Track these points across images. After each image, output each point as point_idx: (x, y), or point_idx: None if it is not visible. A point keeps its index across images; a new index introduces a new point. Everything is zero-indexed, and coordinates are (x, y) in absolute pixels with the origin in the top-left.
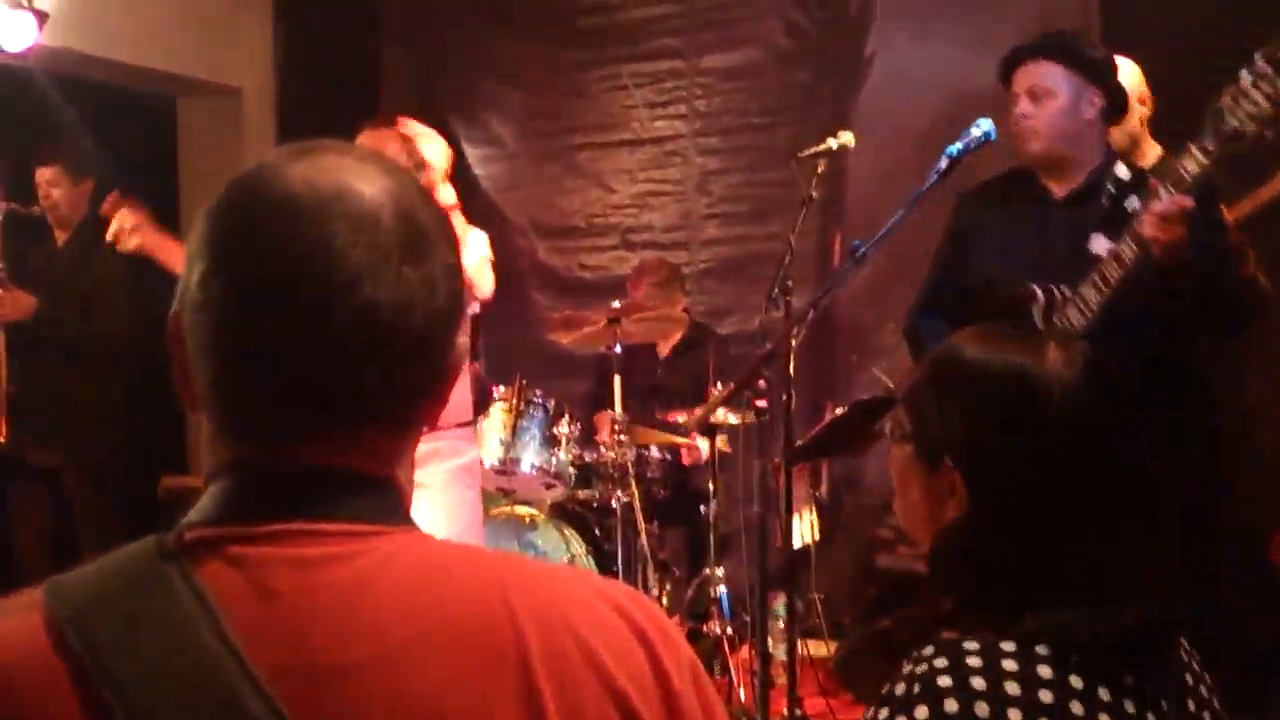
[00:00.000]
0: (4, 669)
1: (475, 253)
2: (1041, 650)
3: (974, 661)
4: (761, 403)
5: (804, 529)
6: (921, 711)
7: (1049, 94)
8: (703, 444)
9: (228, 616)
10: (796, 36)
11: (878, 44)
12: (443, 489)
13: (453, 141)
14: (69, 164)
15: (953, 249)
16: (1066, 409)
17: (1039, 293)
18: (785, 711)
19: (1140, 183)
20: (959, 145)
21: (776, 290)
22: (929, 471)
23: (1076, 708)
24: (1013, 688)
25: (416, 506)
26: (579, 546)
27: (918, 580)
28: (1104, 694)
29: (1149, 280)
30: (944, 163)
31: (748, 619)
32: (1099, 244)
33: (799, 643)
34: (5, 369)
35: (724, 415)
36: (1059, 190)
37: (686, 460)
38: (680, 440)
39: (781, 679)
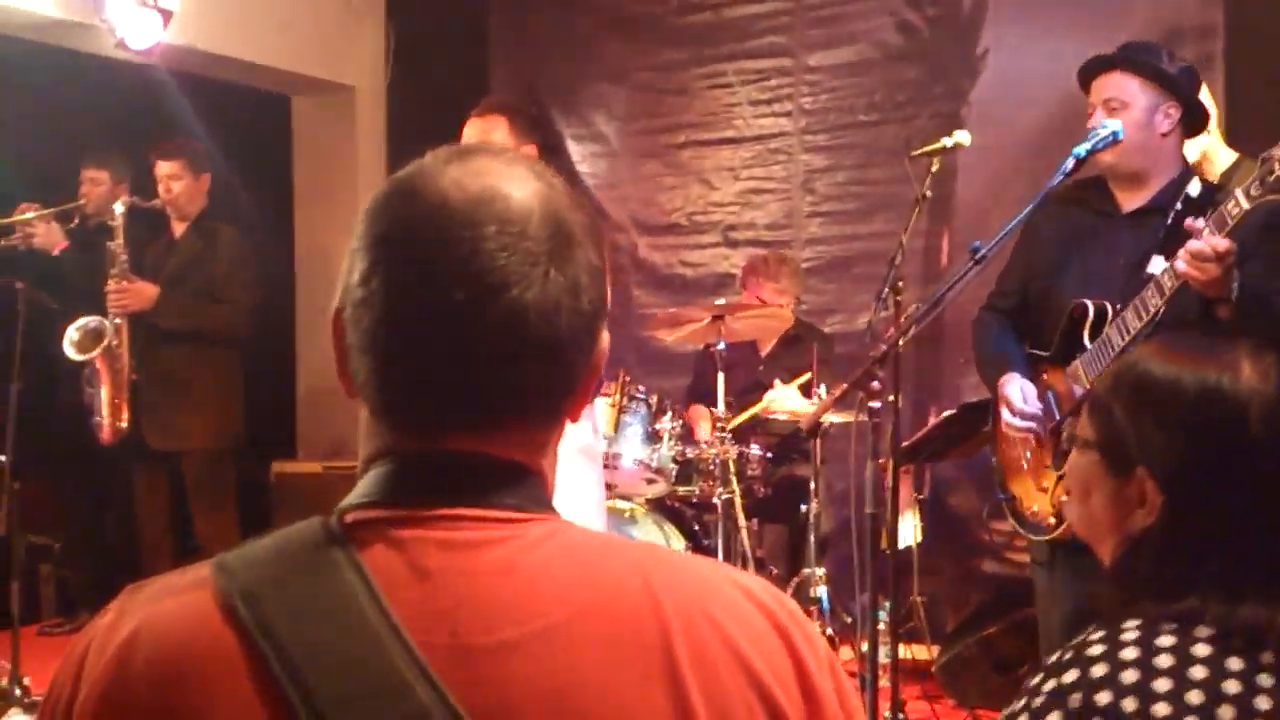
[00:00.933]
0: (178, 644)
1: None
2: (1201, 632)
3: (1129, 635)
4: (875, 403)
5: (908, 531)
6: (1070, 675)
7: (1124, 106)
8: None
9: (388, 596)
10: (907, 33)
11: (990, 41)
12: (563, 469)
13: (557, 138)
14: (189, 158)
15: (1024, 248)
16: (1264, 421)
17: (1090, 308)
18: (888, 715)
19: (1208, 201)
20: (1086, 145)
21: (886, 290)
22: (1118, 480)
23: (1232, 687)
24: (1164, 660)
25: None
26: (678, 542)
27: (1021, 587)
28: (1264, 680)
29: (1192, 306)
30: (1070, 163)
31: (847, 620)
32: (1157, 265)
33: (900, 646)
34: (129, 357)
35: (831, 414)
36: (1128, 204)
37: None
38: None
39: (884, 682)
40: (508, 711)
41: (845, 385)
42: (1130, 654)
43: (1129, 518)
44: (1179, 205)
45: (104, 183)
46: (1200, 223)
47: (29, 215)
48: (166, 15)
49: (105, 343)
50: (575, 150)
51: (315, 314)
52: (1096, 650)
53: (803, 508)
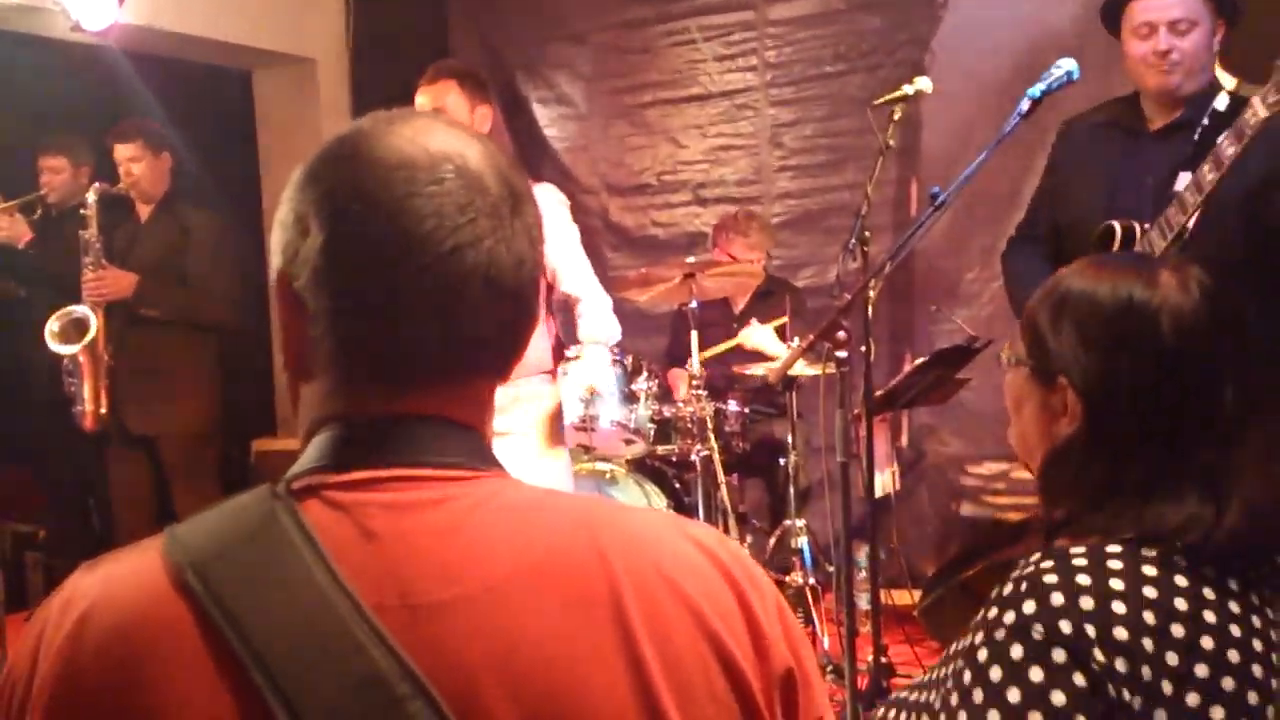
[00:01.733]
0: (131, 618)
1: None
2: (1147, 553)
3: (1080, 562)
4: (842, 353)
5: (885, 479)
6: (1029, 606)
7: (1194, 26)
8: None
9: (336, 560)
10: None
11: None
12: (531, 433)
13: (522, 103)
14: (146, 138)
15: (1048, 179)
16: (1177, 332)
17: (1118, 228)
18: (870, 659)
19: (1236, 115)
20: (1041, 86)
21: (854, 241)
22: (1044, 391)
23: (1181, 604)
24: (1117, 583)
25: (507, 451)
26: (659, 500)
27: (1000, 529)
28: (1208, 593)
29: (1231, 224)
30: (1025, 105)
31: (830, 569)
32: (1184, 181)
33: (881, 592)
34: (105, 343)
35: (802, 366)
36: (1157, 120)
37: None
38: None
39: (865, 628)
40: (460, 669)
41: (812, 336)
42: (1084, 580)
43: (1053, 426)
44: (1205, 120)
45: (64, 170)
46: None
47: (2, 210)
48: None
49: (90, 335)
50: (541, 114)
51: None
52: (1051, 579)
53: (781, 461)
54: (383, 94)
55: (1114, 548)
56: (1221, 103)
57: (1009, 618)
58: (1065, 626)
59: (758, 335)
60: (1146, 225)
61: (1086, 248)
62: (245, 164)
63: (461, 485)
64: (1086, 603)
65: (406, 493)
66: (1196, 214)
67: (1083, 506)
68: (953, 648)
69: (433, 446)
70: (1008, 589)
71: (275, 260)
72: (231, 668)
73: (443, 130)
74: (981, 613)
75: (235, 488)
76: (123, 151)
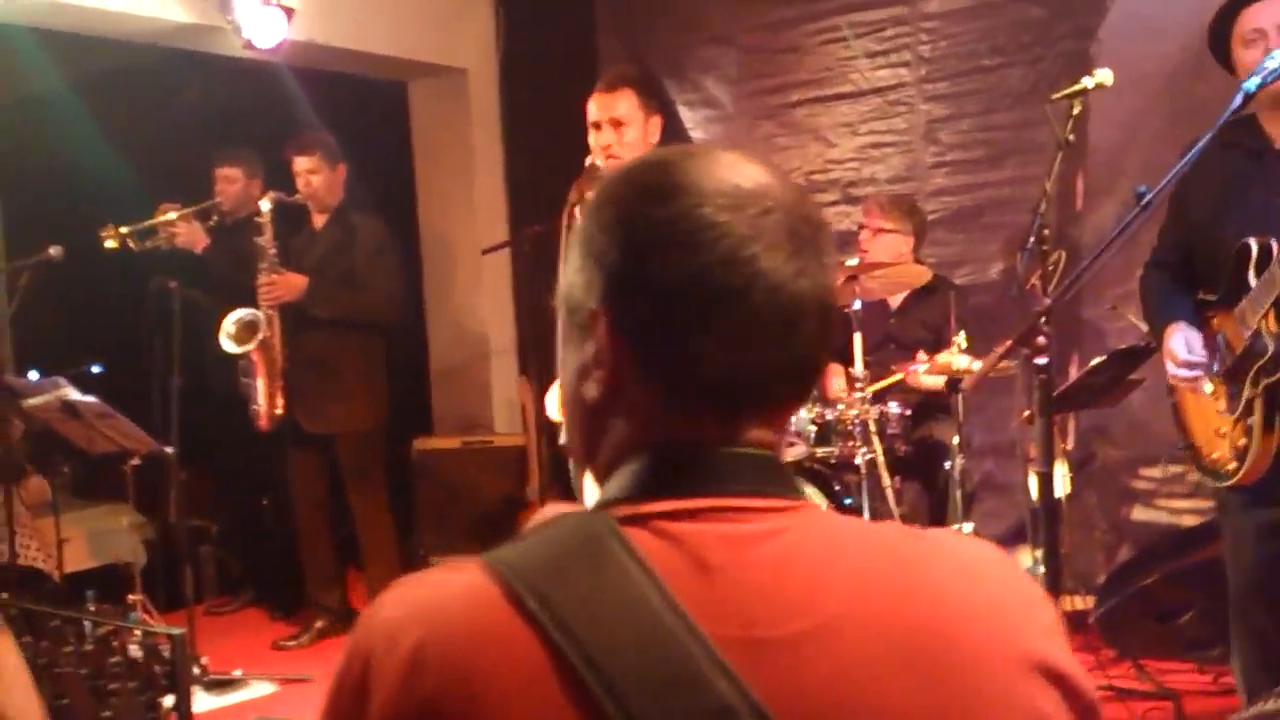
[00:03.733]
0: (468, 638)
1: None
2: None
3: None
4: (1041, 359)
5: (1057, 482)
6: None
7: None
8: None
9: (673, 590)
10: None
11: None
12: None
13: (668, 106)
14: (324, 151)
15: (1173, 207)
16: None
17: (1253, 246)
18: None
19: None
20: (1256, 80)
21: (1032, 239)
22: None
23: None
24: None
25: None
26: (820, 501)
27: (1176, 535)
28: None
29: None
30: (1239, 100)
31: None
32: None
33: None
34: (281, 346)
35: (968, 364)
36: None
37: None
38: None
39: None
40: (803, 703)
41: (1009, 342)
42: None
43: None
44: None
45: (238, 180)
46: None
47: (170, 216)
48: (289, 12)
49: (260, 335)
50: (687, 116)
51: (441, 295)
52: None
53: (947, 465)
54: (532, 102)
55: None
56: None
57: None
58: None
59: (928, 379)
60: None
61: (1220, 270)
62: (400, 172)
63: (787, 516)
64: None
65: (739, 524)
66: None
67: None
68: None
69: (756, 476)
70: None
71: (588, 299)
72: (579, 694)
73: (747, 163)
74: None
75: (401, 486)
76: (302, 163)
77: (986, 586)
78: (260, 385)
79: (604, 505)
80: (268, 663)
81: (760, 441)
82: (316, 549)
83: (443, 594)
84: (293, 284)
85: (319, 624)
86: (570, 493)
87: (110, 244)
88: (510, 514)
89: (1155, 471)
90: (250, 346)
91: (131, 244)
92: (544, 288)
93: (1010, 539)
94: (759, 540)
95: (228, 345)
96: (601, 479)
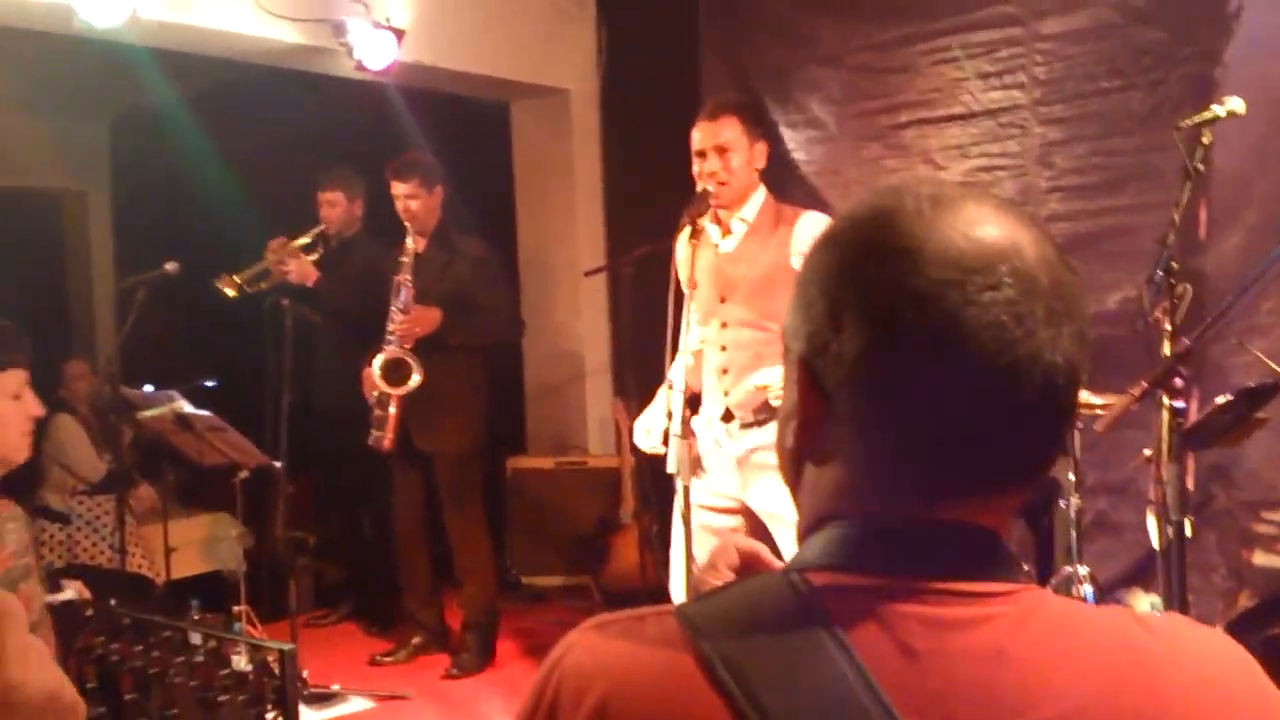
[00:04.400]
0: (655, 701)
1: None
2: None
3: None
4: (1179, 403)
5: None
6: None
7: None
8: None
9: (873, 674)
10: None
11: None
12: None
13: (770, 127)
14: (422, 175)
15: None
16: None
17: None
18: None
19: None
20: None
21: (1160, 271)
22: None
23: None
24: None
25: (782, 488)
26: None
27: None
28: None
29: None
30: None
31: None
32: None
33: None
34: None
35: (1086, 398)
36: None
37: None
38: None
39: None
40: None
41: (1144, 384)
42: None
43: None
44: None
45: (340, 203)
46: None
47: (289, 252)
48: (399, 34)
49: (414, 380)
50: (790, 138)
51: (539, 315)
52: None
53: (1062, 504)
54: (633, 122)
55: None
56: None
57: None
58: None
59: None
60: None
61: None
62: (500, 192)
63: (1001, 602)
64: None
65: (946, 608)
66: None
67: None
68: None
69: (968, 557)
70: None
71: (795, 344)
72: None
73: (993, 217)
74: None
75: (493, 505)
76: (400, 188)
77: (1231, 696)
78: (392, 417)
79: (801, 568)
80: (364, 678)
81: (973, 520)
82: (415, 566)
83: (632, 649)
84: (430, 319)
85: (416, 640)
86: (662, 517)
87: (229, 293)
88: (602, 536)
89: (1277, 515)
90: (407, 389)
91: (248, 289)
92: (645, 311)
93: (1122, 581)
94: (969, 626)
95: (382, 386)
96: (802, 533)
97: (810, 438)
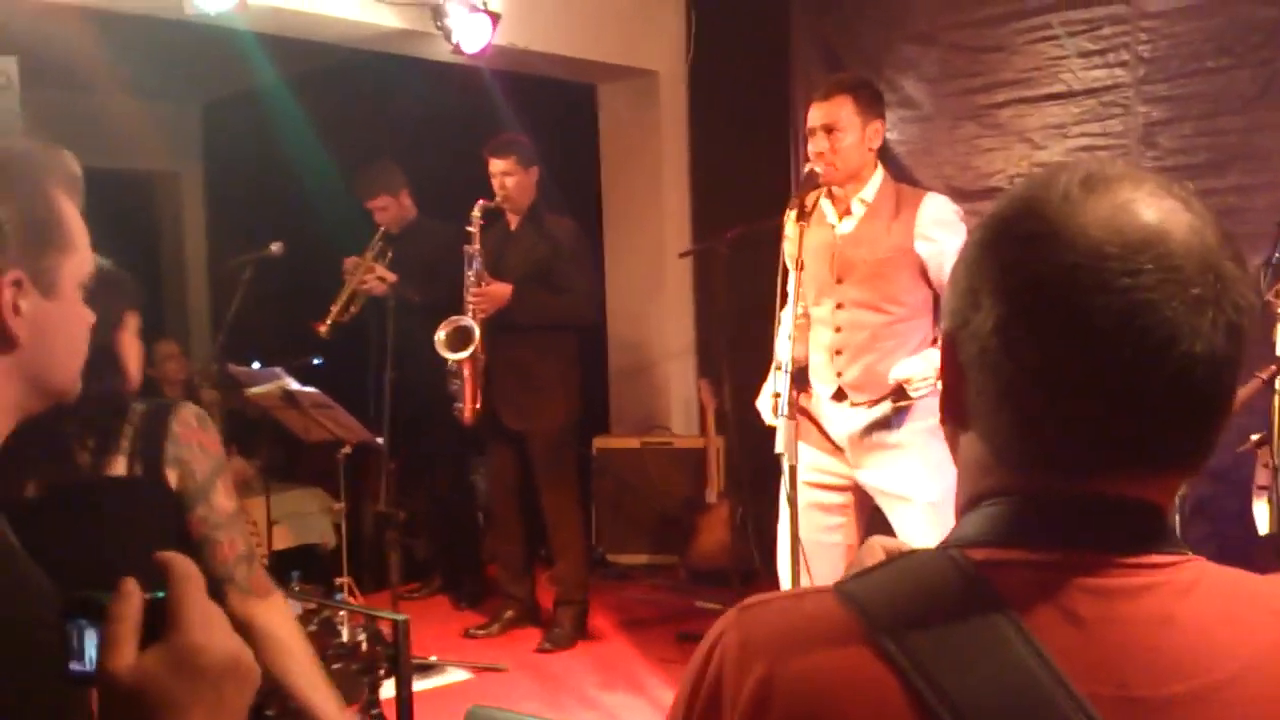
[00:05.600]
0: (824, 675)
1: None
2: None
3: None
4: None
5: (1262, 516)
6: None
7: None
8: None
9: (1042, 643)
10: None
11: None
12: (923, 448)
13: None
14: (519, 155)
15: None
16: None
17: None
18: None
19: None
20: None
21: (1277, 254)
22: None
23: None
24: None
25: (898, 466)
26: None
27: None
28: None
29: None
30: None
31: None
32: None
33: None
34: (481, 348)
35: None
36: None
37: None
38: None
39: None
40: None
41: (1262, 376)
42: None
43: None
44: None
45: (389, 205)
46: None
47: (365, 268)
48: (495, 18)
49: (474, 346)
50: None
51: (623, 297)
52: None
53: None
54: (722, 105)
55: None
56: None
57: None
58: None
59: None
60: None
61: None
62: (587, 174)
63: (1166, 572)
64: None
65: (1111, 578)
66: None
67: None
68: None
69: (1131, 530)
70: None
71: (943, 320)
72: None
73: (1146, 202)
74: None
75: (583, 478)
76: (497, 166)
77: None
78: (467, 386)
79: (960, 545)
80: (460, 650)
81: (1136, 495)
82: (509, 540)
83: (794, 626)
84: (500, 294)
85: (509, 614)
86: (753, 499)
87: (324, 332)
88: (688, 515)
89: None
90: (464, 355)
91: (344, 320)
92: (739, 291)
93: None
94: (1133, 594)
95: (443, 353)
96: (959, 510)
97: (949, 406)
